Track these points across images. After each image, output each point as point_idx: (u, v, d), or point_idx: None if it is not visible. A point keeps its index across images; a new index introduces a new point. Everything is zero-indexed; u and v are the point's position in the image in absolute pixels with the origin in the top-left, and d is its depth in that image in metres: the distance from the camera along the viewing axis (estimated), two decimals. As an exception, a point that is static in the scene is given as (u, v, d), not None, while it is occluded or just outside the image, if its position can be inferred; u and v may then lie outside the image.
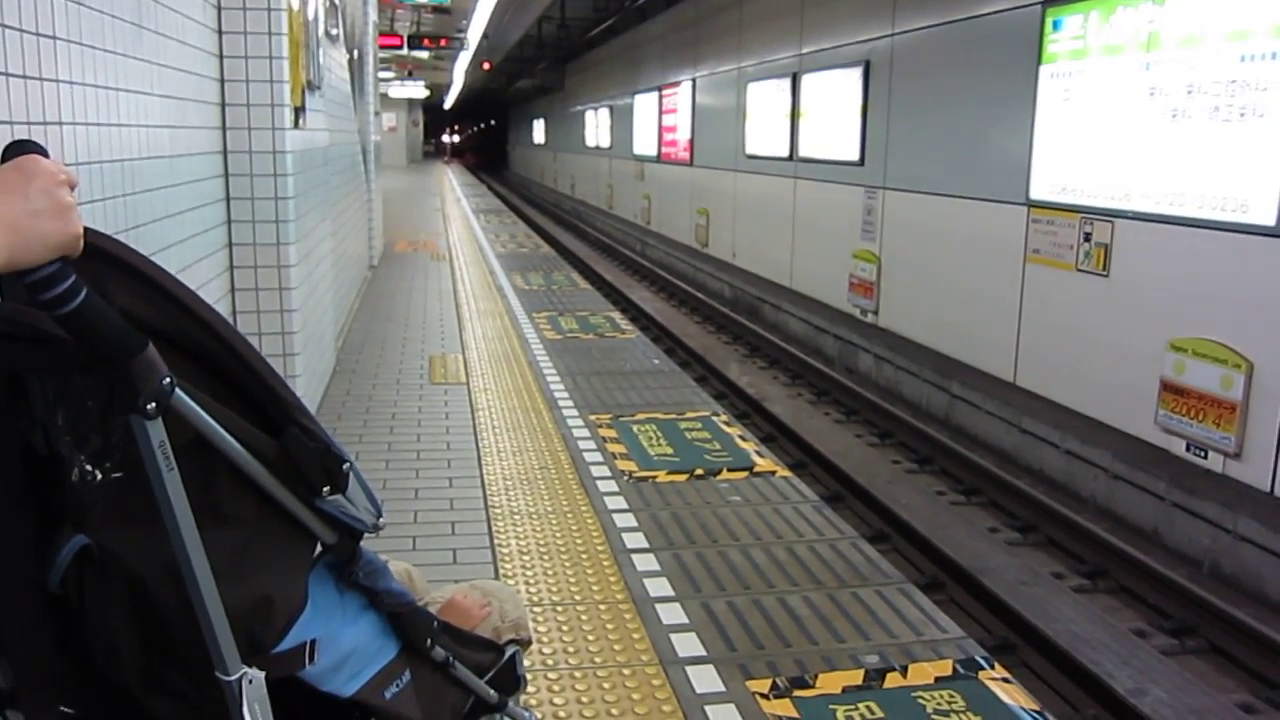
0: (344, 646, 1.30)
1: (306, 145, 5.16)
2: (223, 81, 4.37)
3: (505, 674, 1.70)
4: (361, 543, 1.43)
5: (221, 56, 4.35)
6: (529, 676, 2.70)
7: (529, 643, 1.82)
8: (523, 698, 2.55)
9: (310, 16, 5.43)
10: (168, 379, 1.03)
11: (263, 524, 1.19)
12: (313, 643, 1.24)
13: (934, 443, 7.30)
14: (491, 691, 1.64)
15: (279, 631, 1.20)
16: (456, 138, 70.71)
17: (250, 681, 1.15)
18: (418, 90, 29.61)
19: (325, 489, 1.20)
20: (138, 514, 1.10)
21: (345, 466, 1.21)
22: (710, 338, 11.87)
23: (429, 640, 1.46)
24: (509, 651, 1.72)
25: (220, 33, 4.33)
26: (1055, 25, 6.90)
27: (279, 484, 1.17)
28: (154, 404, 1.02)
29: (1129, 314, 6.33)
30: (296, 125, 4.75)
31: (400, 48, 17.52)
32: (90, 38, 2.77)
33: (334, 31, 7.05)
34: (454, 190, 26.67)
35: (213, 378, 1.15)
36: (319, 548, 1.27)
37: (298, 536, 1.23)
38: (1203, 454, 5.69)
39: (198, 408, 1.08)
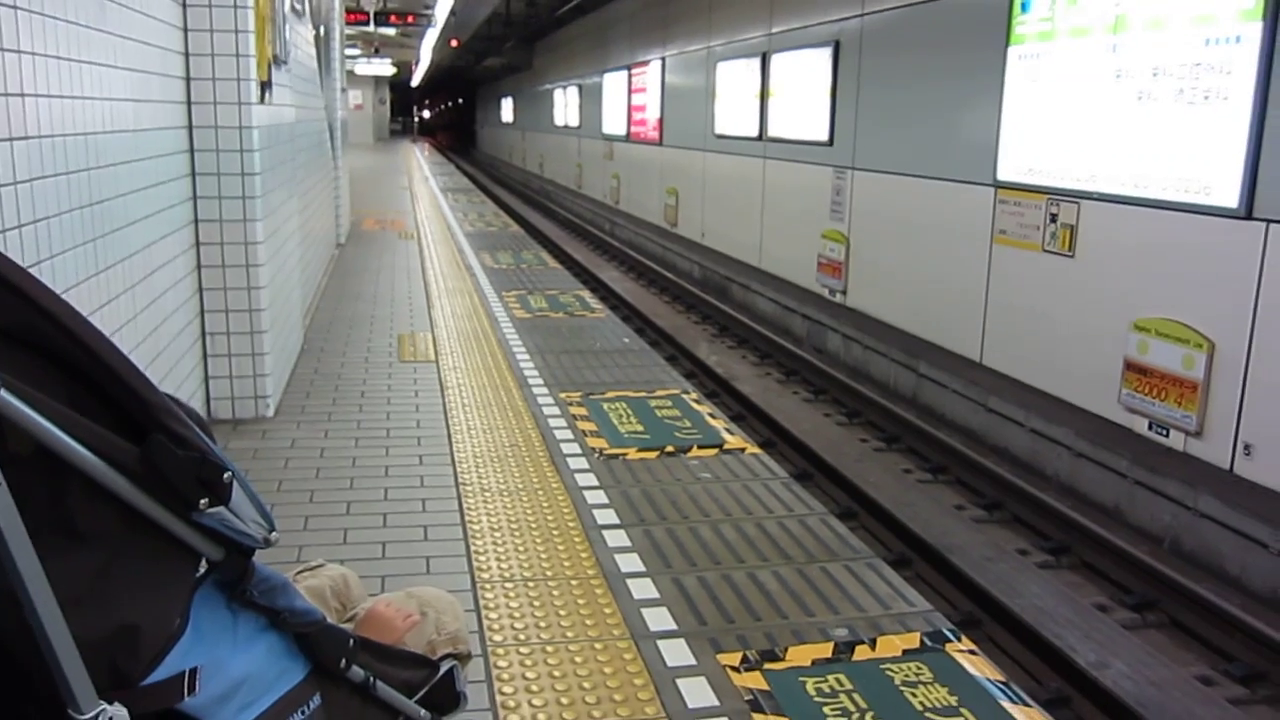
0: (234, 674, 1.19)
1: (273, 121, 5.11)
2: (187, 55, 4.32)
3: (441, 691, 1.60)
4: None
5: (186, 30, 4.29)
6: (500, 651, 2.72)
7: (468, 656, 1.72)
8: (495, 683, 2.57)
9: (276, -10, 5.36)
10: None
11: (128, 542, 1.07)
12: (192, 671, 1.12)
13: (902, 422, 7.37)
14: (423, 711, 1.55)
15: (148, 661, 1.08)
16: (427, 113, 69.75)
17: (111, 719, 1.03)
18: (384, 68, 29.33)
19: (203, 501, 1.08)
20: None
21: (226, 476, 1.10)
22: (679, 317, 11.88)
23: (343, 660, 1.35)
24: (444, 666, 1.62)
25: (185, 5, 4.27)
26: (1024, 7, 6.94)
27: (146, 497, 1.05)
28: None
29: (1094, 294, 6.40)
30: (263, 100, 4.70)
31: (367, 24, 17.34)
32: (51, 8, 2.72)
33: (299, 6, 6.96)
34: (421, 169, 26.47)
35: (68, 378, 1.04)
36: (204, 566, 1.16)
37: (173, 554, 1.11)
38: (1164, 432, 5.78)
39: (32, 413, 0.95)
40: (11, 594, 0.96)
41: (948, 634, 2.88)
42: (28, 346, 1.02)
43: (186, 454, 1.06)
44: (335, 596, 1.73)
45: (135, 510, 1.05)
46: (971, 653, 2.78)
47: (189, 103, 4.35)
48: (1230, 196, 5.32)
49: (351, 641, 1.37)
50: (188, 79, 4.33)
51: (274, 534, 1.20)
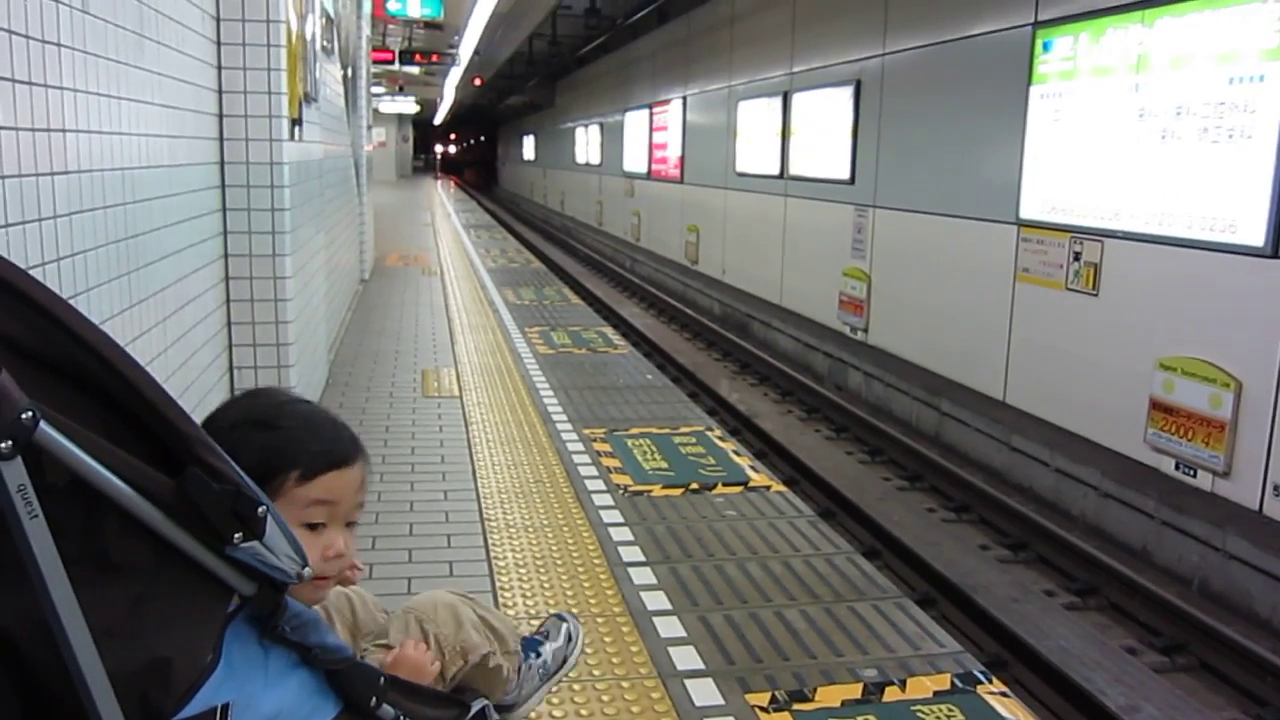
0: (265, 710, 1.17)
1: (302, 157, 5.17)
2: (220, 92, 4.38)
3: None
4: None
5: (220, 67, 4.35)
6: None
7: (493, 655, 1.69)
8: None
9: (308, 29, 5.44)
10: (29, 412, 0.90)
11: (162, 574, 1.06)
12: (225, 707, 1.11)
13: (924, 460, 7.33)
14: None
15: (180, 696, 1.06)
16: (453, 148, 69.38)
17: None
18: (408, 105, 29.64)
19: (237, 535, 1.07)
20: (3, 566, 0.96)
21: (260, 510, 1.09)
22: (700, 354, 11.89)
23: (373, 699, 1.33)
24: (475, 706, 1.60)
25: (219, 44, 4.34)
26: (1045, 46, 6.97)
27: (180, 530, 1.04)
28: (8, 442, 0.89)
29: (1118, 333, 6.37)
30: (293, 137, 4.76)
31: (392, 63, 17.55)
32: (94, 45, 2.77)
33: (329, 45, 7.07)
34: (444, 205, 26.69)
35: (105, 409, 1.03)
36: (236, 600, 1.15)
37: (207, 588, 1.10)
38: (1192, 472, 5.72)
39: (70, 444, 0.95)
40: (45, 625, 0.96)
41: (979, 675, 2.84)
42: (66, 376, 1.01)
43: (222, 487, 1.06)
44: (339, 615, 1.69)
45: (169, 543, 1.05)
46: (1004, 694, 2.75)
47: (221, 139, 4.40)
48: (1257, 235, 5.30)
49: (382, 680, 1.35)
50: (220, 115, 4.39)
51: (307, 569, 1.18)
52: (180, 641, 1.07)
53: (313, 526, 1.38)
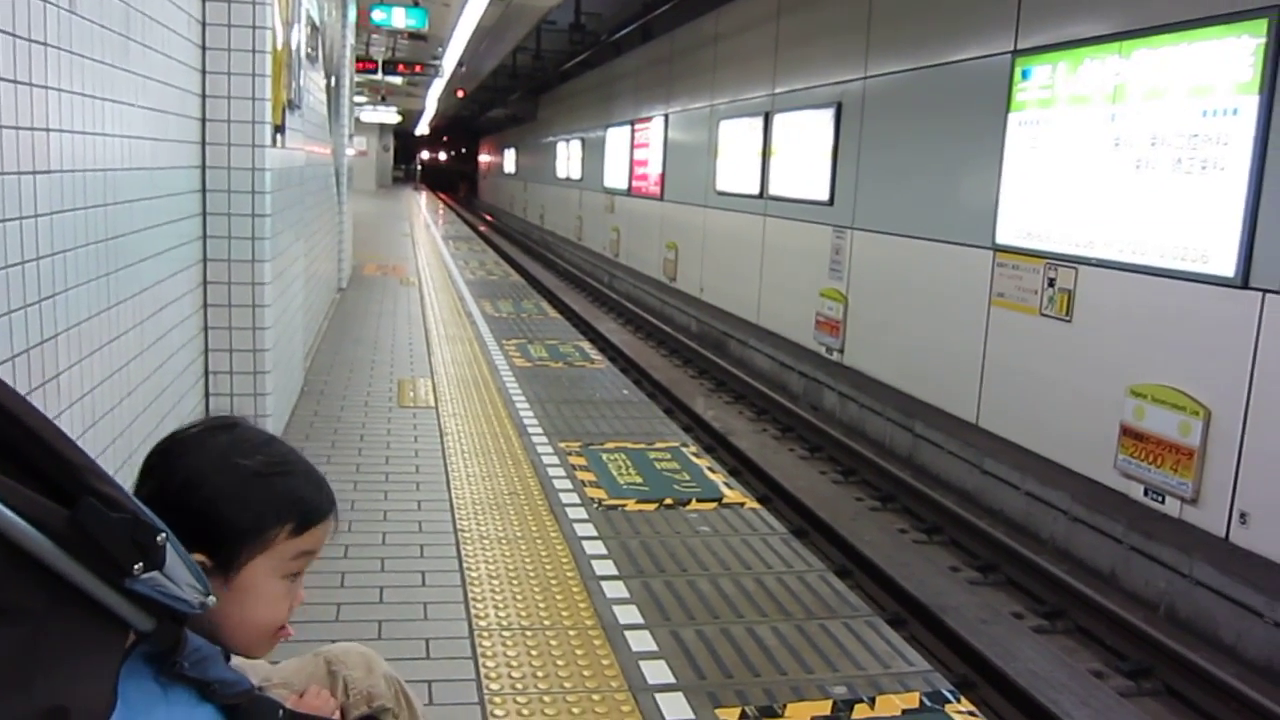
0: None
1: (284, 164, 5.16)
2: (204, 97, 4.37)
3: None
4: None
5: (204, 71, 4.35)
6: (497, 700, 2.70)
7: (388, 711, 1.64)
8: (490, 722, 2.56)
9: (293, 37, 5.44)
10: None
11: (54, 615, 0.97)
12: None
13: (897, 481, 7.37)
14: None
15: None
16: (443, 155, 68.29)
17: None
18: (390, 115, 29.62)
19: (137, 566, 0.99)
20: None
21: (160, 538, 1.01)
22: (677, 371, 11.91)
23: None
24: None
25: (204, 48, 4.33)
26: (1024, 74, 7.07)
27: (75, 563, 0.96)
28: None
29: (1090, 359, 6.44)
30: (275, 144, 4.75)
31: (375, 72, 17.55)
32: (80, 46, 2.77)
33: (313, 52, 7.06)
34: (423, 216, 26.64)
35: None
36: (131, 636, 1.07)
37: (103, 626, 1.02)
38: (1160, 499, 5.79)
39: None
40: None
41: (947, 695, 2.86)
42: None
43: (119, 516, 0.98)
44: (253, 671, 1.59)
45: (62, 579, 0.96)
46: (971, 714, 2.77)
47: (204, 143, 4.40)
48: (1227, 265, 5.39)
49: (281, 712, 1.27)
50: (203, 120, 4.38)
51: (210, 598, 1.11)
52: (77, 687, 0.98)
53: (291, 576, 1.33)
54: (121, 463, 3.12)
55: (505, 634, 3.10)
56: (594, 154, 21.90)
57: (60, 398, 2.67)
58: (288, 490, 1.30)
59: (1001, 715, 4.36)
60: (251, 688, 1.23)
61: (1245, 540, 5.30)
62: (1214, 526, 5.47)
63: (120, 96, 3.17)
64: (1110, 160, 6.22)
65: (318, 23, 7.22)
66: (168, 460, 1.24)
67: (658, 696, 2.78)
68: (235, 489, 1.24)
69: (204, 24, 4.34)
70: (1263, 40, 5.18)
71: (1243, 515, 5.31)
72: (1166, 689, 4.72)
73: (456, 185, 59.56)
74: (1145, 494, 5.90)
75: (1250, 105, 5.26)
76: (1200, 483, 5.55)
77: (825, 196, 10.32)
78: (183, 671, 1.11)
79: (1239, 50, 5.33)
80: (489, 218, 40.06)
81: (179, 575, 1.05)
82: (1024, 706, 4.36)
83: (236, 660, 1.63)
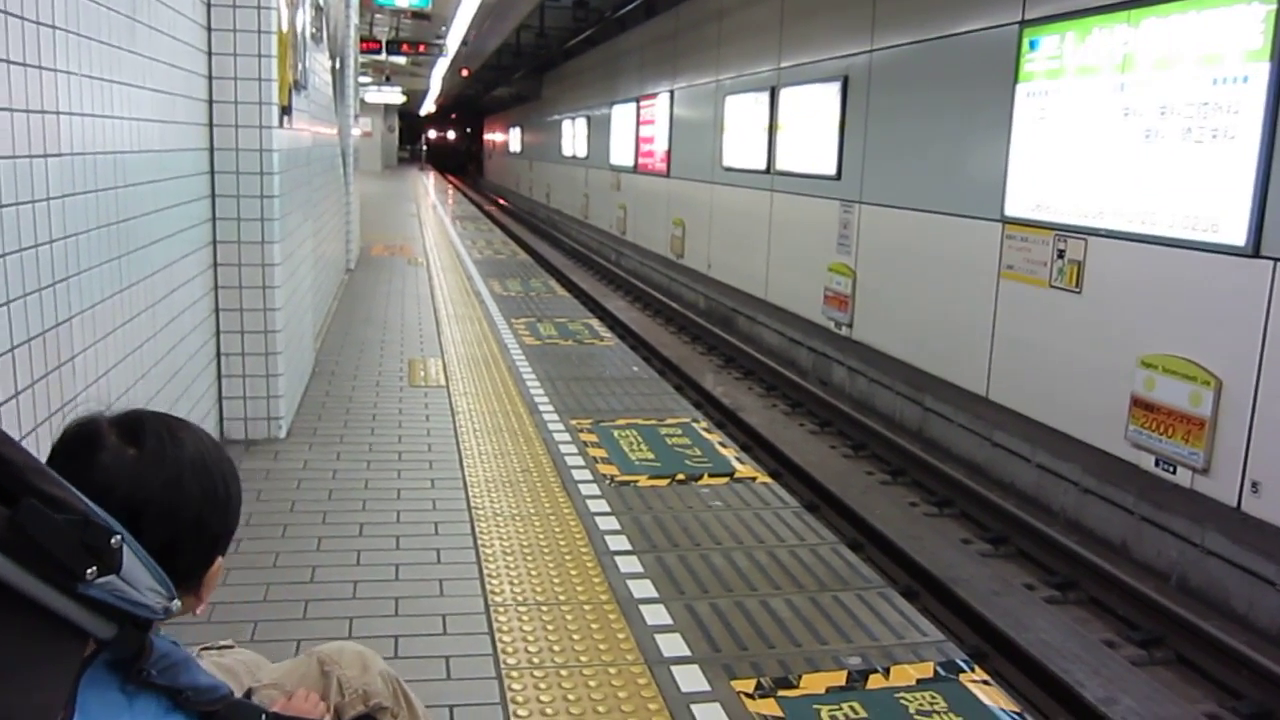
0: None
1: (292, 145, 5.16)
2: (210, 78, 4.37)
3: None
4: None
5: (210, 53, 4.35)
6: (514, 674, 2.72)
7: (386, 710, 1.62)
8: (510, 706, 2.58)
9: (298, 17, 5.43)
10: None
11: (0, 623, 0.93)
12: None
13: (907, 455, 7.38)
14: None
15: None
16: (448, 134, 67.48)
17: None
18: (394, 96, 29.54)
19: (90, 570, 0.94)
20: None
21: (114, 540, 0.96)
22: (685, 348, 11.92)
23: None
24: None
25: (210, 29, 4.33)
26: (1032, 45, 7.02)
27: (19, 568, 0.91)
28: None
29: (1100, 330, 6.43)
30: (282, 125, 4.75)
31: (379, 52, 17.49)
32: (87, 28, 2.77)
33: (318, 34, 7.04)
34: (429, 196, 26.62)
35: None
36: (91, 645, 1.02)
37: (55, 634, 0.97)
38: (1171, 469, 5.78)
39: None
40: None
41: (961, 664, 2.88)
42: None
43: (66, 518, 0.94)
44: (249, 675, 1.61)
45: (6, 586, 0.91)
46: (985, 683, 2.79)
47: (211, 125, 4.40)
48: (1238, 234, 5.36)
49: (264, 717, 1.23)
50: (210, 101, 4.39)
51: (175, 601, 1.07)
52: (25, 700, 0.93)
53: None
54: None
55: (521, 609, 3.13)
56: (599, 131, 21.82)
57: (76, 380, 2.69)
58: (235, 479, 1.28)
59: (1014, 685, 4.38)
60: (229, 694, 1.18)
61: (1256, 509, 5.29)
62: (1225, 496, 5.46)
63: (128, 79, 3.17)
64: (1119, 130, 6.18)
65: (321, 3, 7.19)
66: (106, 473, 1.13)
67: (673, 669, 2.80)
68: (229, 512, 1.23)
69: (209, 5, 4.33)
70: (1273, 7, 5.13)
71: (1254, 484, 5.31)
72: (1178, 658, 4.74)
73: (465, 166, 58.95)
74: (1156, 464, 5.90)
75: (1261, 73, 5.22)
76: (1211, 452, 5.54)
77: (832, 171, 10.28)
78: (150, 679, 1.07)
79: (1249, 17, 5.28)
80: (494, 197, 40.00)
81: (138, 579, 1.01)
82: (1037, 676, 4.38)
83: (233, 659, 1.61)
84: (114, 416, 1.18)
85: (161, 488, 1.13)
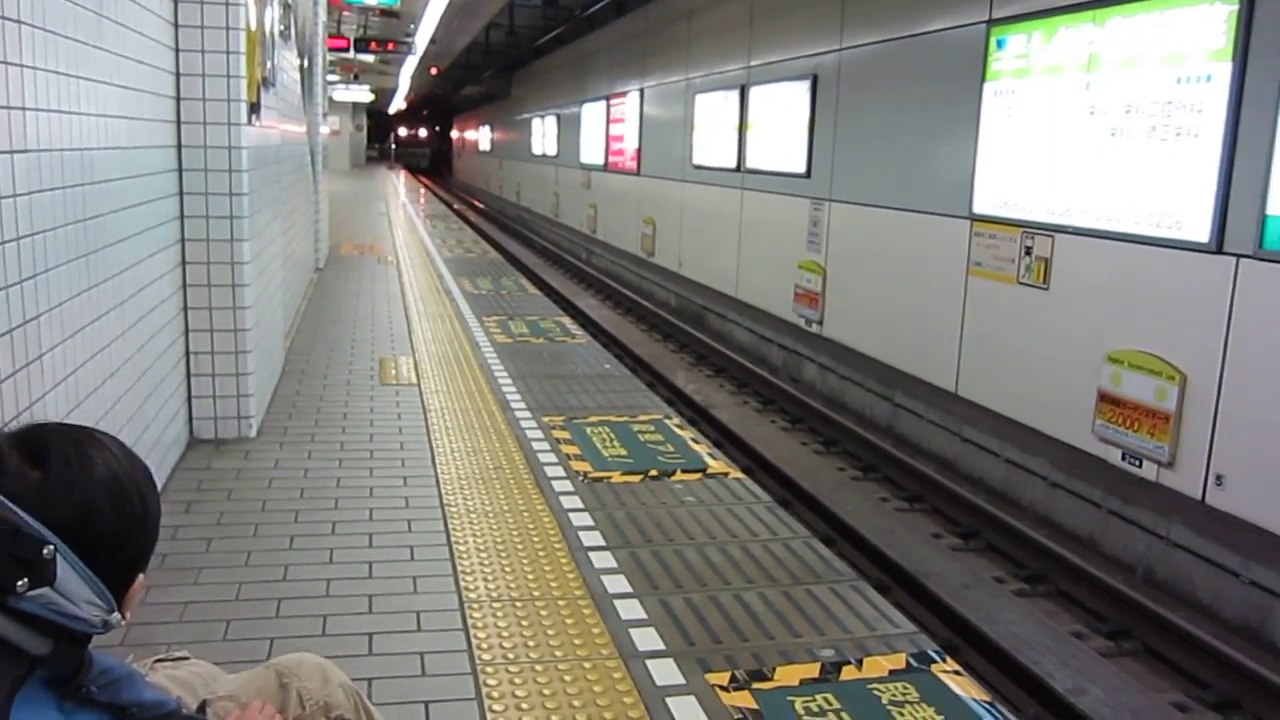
0: None
1: (261, 142, 5.13)
2: (178, 75, 4.34)
3: None
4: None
5: (178, 50, 4.31)
6: (489, 670, 2.72)
7: None
8: (486, 701, 2.58)
9: (266, 14, 5.39)
10: None
11: None
12: None
13: (878, 450, 7.42)
14: None
15: None
16: (418, 132, 66.60)
17: None
18: (363, 94, 29.36)
19: (20, 583, 0.91)
20: None
21: (47, 550, 0.93)
22: (657, 345, 11.93)
23: None
24: None
25: (177, 25, 4.29)
26: (999, 44, 7.08)
27: None
28: None
29: (1068, 326, 6.50)
30: (251, 122, 4.72)
31: (347, 50, 17.38)
32: (53, 23, 2.74)
33: (286, 31, 6.99)
34: (399, 195, 26.49)
35: None
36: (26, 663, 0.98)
37: None
38: (1138, 463, 5.86)
39: None
40: None
41: (933, 655, 2.91)
42: None
43: None
44: (204, 687, 1.58)
45: None
46: (957, 673, 2.82)
47: (179, 122, 4.36)
48: (1201, 231, 5.44)
49: None
50: (178, 99, 4.35)
51: (114, 615, 1.02)
52: None
53: None
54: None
55: (495, 605, 3.13)
56: (569, 130, 21.80)
57: (45, 379, 2.66)
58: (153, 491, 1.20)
59: (984, 677, 4.42)
60: (176, 709, 1.15)
61: (1221, 502, 5.38)
62: (1190, 489, 5.54)
63: (95, 75, 3.14)
64: (1085, 129, 6.25)
65: (290, 0, 7.14)
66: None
67: (648, 663, 2.81)
68: (149, 530, 1.16)
69: (176, 1, 4.29)
70: (1235, 8, 5.21)
71: (1219, 478, 5.39)
72: (1145, 649, 4.80)
73: (437, 165, 58.24)
74: (1123, 458, 5.98)
75: (1223, 72, 5.30)
76: (1177, 446, 5.62)
77: (802, 169, 10.33)
78: (90, 696, 1.02)
79: (1212, 17, 5.36)
80: (464, 195, 39.85)
81: (74, 592, 0.97)
82: (1007, 668, 4.43)
83: (188, 670, 1.58)
84: (13, 434, 1.09)
85: (71, 513, 1.02)
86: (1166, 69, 5.64)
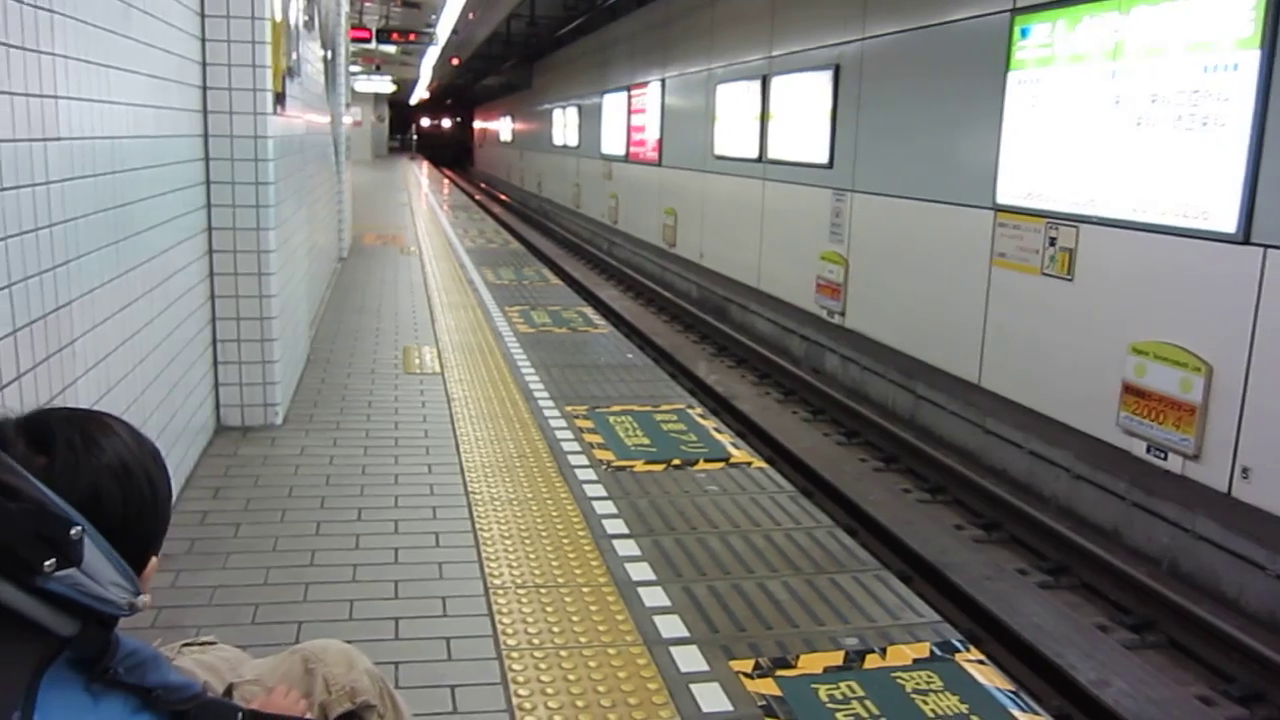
0: None
1: (286, 132, 5.16)
2: (204, 65, 4.37)
3: None
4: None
5: (204, 39, 4.34)
6: (514, 655, 2.74)
7: (372, 708, 1.59)
8: (511, 686, 2.60)
9: (290, 3, 5.41)
10: None
11: None
12: None
13: (900, 442, 7.41)
14: None
15: None
16: (441, 122, 65.05)
17: None
18: (384, 85, 29.45)
19: (48, 563, 0.91)
20: None
21: (75, 531, 0.92)
22: (678, 336, 11.93)
23: None
24: None
25: (203, 15, 4.32)
26: (1023, 33, 7.03)
27: None
28: None
29: (1092, 317, 6.46)
30: (276, 111, 4.75)
31: (369, 41, 17.42)
32: (82, 12, 2.77)
33: (310, 22, 7.03)
34: (420, 186, 26.57)
35: None
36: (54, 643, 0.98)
37: (10, 632, 0.93)
38: (1162, 455, 5.82)
39: None
40: None
41: (957, 644, 2.91)
42: None
43: (21, 507, 0.90)
44: (231, 671, 1.58)
45: None
46: (980, 662, 2.82)
47: (205, 111, 4.40)
48: (1228, 221, 5.39)
49: (240, 715, 1.17)
50: (204, 88, 4.38)
51: (141, 597, 1.02)
52: None
53: None
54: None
55: (520, 592, 3.15)
56: (590, 120, 21.78)
57: (76, 364, 2.69)
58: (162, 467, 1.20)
59: (1007, 669, 4.41)
60: (201, 692, 1.14)
61: (1247, 495, 5.33)
62: (1216, 482, 5.50)
63: (123, 64, 3.17)
64: (1110, 118, 6.20)
65: (314, -10, 7.17)
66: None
67: (672, 650, 2.82)
68: (161, 518, 1.15)
69: (203, -9, 4.32)
70: (1264, -6, 5.16)
71: (1245, 470, 5.35)
72: (1170, 641, 4.78)
73: (461, 157, 57.83)
74: (1147, 451, 5.94)
75: (1251, 60, 5.24)
76: (1202, 438, 5.58)
77: (824, 159, 10.29)
78: (117, 678, 1.02)
79: (1240, 5, 5.30)
80: (485, 186, 39.92)
81: (101, 573, 0.97)
82: (1030, 660, 4.42)
83: (215, 655, 1.59)
84: (21, 419, 1.09)
85: (78, 498, 1.02)
86: (1193, 57, 5.59)
